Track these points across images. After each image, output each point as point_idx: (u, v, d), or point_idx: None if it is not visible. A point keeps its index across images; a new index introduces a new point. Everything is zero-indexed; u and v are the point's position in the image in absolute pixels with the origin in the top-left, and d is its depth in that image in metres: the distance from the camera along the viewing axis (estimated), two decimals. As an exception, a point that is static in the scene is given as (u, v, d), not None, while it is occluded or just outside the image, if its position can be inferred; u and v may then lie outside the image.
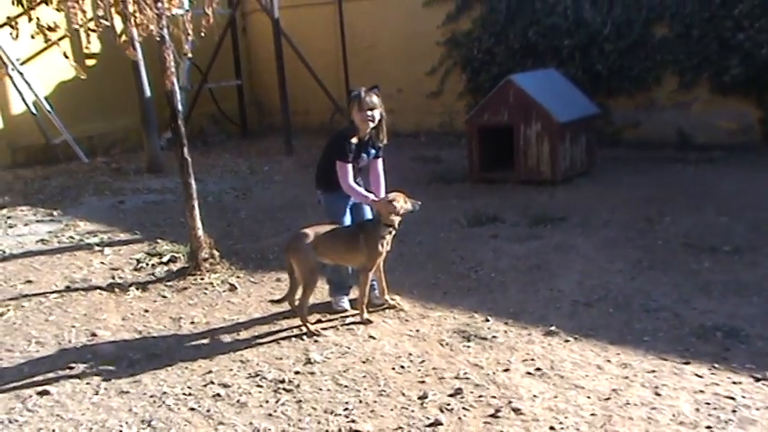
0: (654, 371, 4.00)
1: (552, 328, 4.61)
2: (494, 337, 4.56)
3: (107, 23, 5.18)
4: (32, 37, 5.30)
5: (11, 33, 5.34)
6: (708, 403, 3.64)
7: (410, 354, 4.42)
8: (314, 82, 12.09)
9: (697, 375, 3.92)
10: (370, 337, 4.71)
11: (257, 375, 4.25)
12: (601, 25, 10.09)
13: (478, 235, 6.68)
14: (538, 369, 4.10)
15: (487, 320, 4.82)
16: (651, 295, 5.05)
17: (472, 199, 7.89)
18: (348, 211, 5.18)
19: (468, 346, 4.46)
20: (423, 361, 4.31)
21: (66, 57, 5.58)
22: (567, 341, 4.44)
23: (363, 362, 4.35)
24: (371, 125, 5.04)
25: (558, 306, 5.00)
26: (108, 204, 8.80)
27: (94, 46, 11.29)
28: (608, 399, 3.74)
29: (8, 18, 5.83)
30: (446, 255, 6.22)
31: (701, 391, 3.76)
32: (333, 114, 12.49)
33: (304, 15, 12.84)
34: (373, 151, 5.17)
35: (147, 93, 10.12)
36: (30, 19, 5.22)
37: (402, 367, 4.25)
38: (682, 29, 9.63)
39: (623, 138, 10.24)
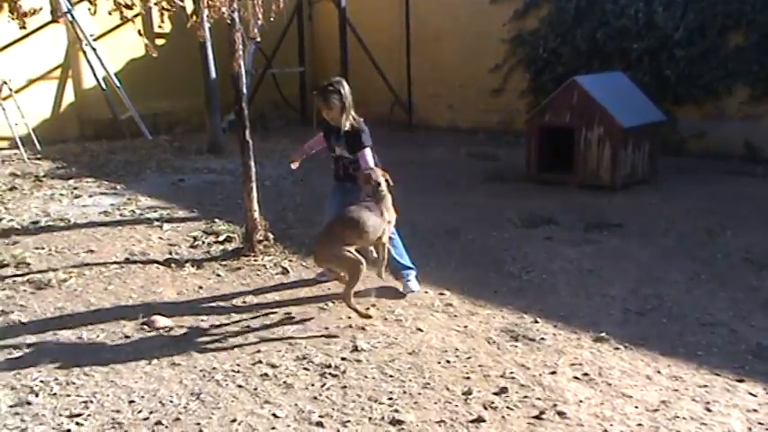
0: (706, 386, 3.92)
1: (602, 334, 4.55)
2: (542, 338, 4.53)
3: (180, 4, 5.30)
4: (110, 14, 5.44)
5: (89, 9, 5.49)
6: (761, 423, 3.56)
7: (457, 349, 4.42)
8: (375, 72, 12.14)
9: (751, 394, 3.84)
10: (418, 329, 4.73)
11: (304, 358, 4.31)
12: (672, 30, 9.87)
13: (532, 236, 6.63)
14: (585, 374, 4.06)
15: (536, 322, 4.79)
16: (707, 309, 4.94)
17: (527, 199, 7.83)
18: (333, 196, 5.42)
19: (516, 346, 4.44)
20: (469, 357, 4.31)
21: (141, 34, 5.71)
22: (616, 349, 4.38)
23: (410, 353, 4.37)
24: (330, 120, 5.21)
25: (610, 313, 4.93)
26: (168, 181, 9.00)
27: (164, 26, 11.51)
28: (656, 410, 3.68)
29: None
30: (498, 254, 6.19)
31: (755, 410, 3.67)
32: (392, 105, 12.53)
33: (370, 5, 12.88)
34: (342, 138, 5.22)
35: (213, 74, 10.31)
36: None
37: (448, 362, 4.26)
38: (757, 38, 9.35)
39: (688, 147, 10.01)
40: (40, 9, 6.24)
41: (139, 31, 5.83)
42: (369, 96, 12.93)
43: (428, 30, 12.45)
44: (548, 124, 8.46)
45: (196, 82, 10.64)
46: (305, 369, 4.19)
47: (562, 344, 4.46)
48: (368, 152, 5.17)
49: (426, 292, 5.34)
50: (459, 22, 12.16)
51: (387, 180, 5.07)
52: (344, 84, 5.19)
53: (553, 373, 4.08)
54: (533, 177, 8.58)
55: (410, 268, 5.43)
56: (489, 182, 8.73)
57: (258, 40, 5.88)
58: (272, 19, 5.71)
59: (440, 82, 12.47)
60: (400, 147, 10.63)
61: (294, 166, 5.68)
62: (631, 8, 10.20)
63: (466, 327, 4.76)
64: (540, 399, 3.80)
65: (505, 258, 6.06)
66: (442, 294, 5.30)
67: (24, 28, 5.54)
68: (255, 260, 6.03)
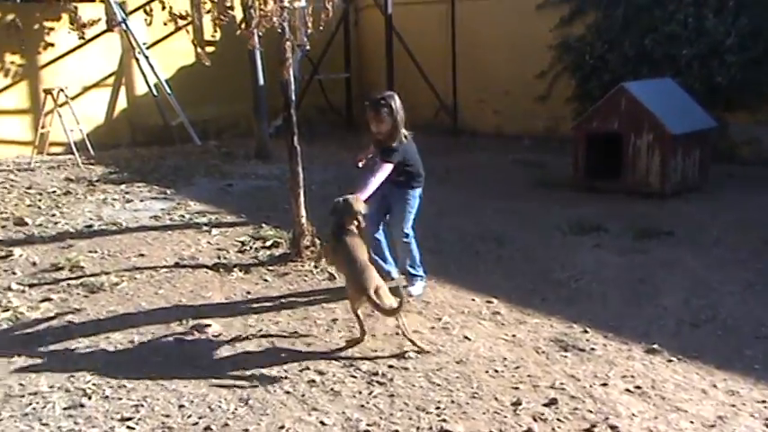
0: (764, 401, 3.82)
1: (655, 345, 4.47)
2: (592, 349, 4.47)
3: (232, 13, 5.38)
4: (165, 24, 5.55)
5: (145, 19, 5.61)
6: (820, 440, 3.46)
7: (505, 358, 4.39)
8: (421, 79, 12.14)
9: (810, 410, 3.73)
10: (465, 337, 4.70)
11: (352, 366, 4.32)
12: (724, 35, 9.66)
13: (580, 243, 6.55)
14: (638, 387, 3.99)
15: (586, 332, 4.73)
16: (764, 321, 4.82)
17: (575, 206, 7.74)
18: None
19: (565, 357, 4.39)
20: (518, 367, 4.27)
21: (195, 44, 5.82)
22: (670, 361, 4.30)
23: (457, 362, 4.35)
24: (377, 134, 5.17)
25: (662, 323, 4.84)
26: (217, 187, 9.13)
27: (215, 34, 11.71)
28: (713, 426, 3.60)
29: (143, 5, 6.15)
30: (546, 261, 6.13)
31: (814, 427, 3.57)
32: (437, 110, 12.51)
33: (416, 12, 12.89)
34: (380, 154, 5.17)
35: (261, 81, 10.43)
36: (163, 7, 5.47)
37: (496, 371, 4.23)
38: (813, 43, 9.12)
39: (740, 154, 9.78)
40: (99, 20, 6.41)
41: (194, 41, 5.95)
42: (414, 101, 12.90)
43: (474, 36, 12.40)
44: (595, 131, 8.35)
45: (244, 88, 10.78)
46: (352, 376, 4.20)
47: (613, 355, 4.40)
48: (386, 167, 5.06)
49: (473, 300, 5.32)
50: (504, 28, 12.08)
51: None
52: (396, 98, 5.13)
53: (604, 384, 4.02)
54: (580, 184, 8.47)
55: (420, 276, 5.43)
56: (536, 188, 8.66)
57: (308, 48, 5.93)
58: (320, 28, 5.75)
59: (485, 88, 12.41)
60: (445, 152, 10.61)
61: (360, 164, 5.64)
62: (680, 14, 10.02)
63: (514, 336, 4.72)
64: (591, 411, 3.74)
65: (553, 266, 6.00)
66: (489, 302, 5.27)
67: (83, 38, 5.69)
68: (302, 266, 6.07)
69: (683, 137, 8.03)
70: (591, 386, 4.00)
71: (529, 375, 4.15)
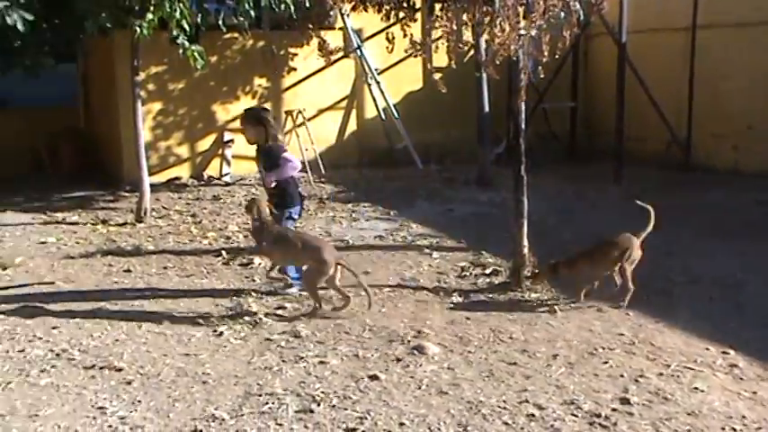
0: None
1: None
2: None
3: (472, 42, 5.49)
4: (406, 52, 5.79)
5: (386, 47, 5.89)
6: None
7: (744, 417, 4.03)
8: (651, 109, 11.58)
9: None
10: (697, 389, 4.38)
11: (572, 403, 4.19)
12: None
13: (835, 298, 5.87)
14: None
15: (843, 398, 4.22)
16: None
17: (829, 256, 6.95)
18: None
19: (817, 423, 3.94)
20: (759, 428, 3.90)
21: (433, 70, 6.02)
22: None
23: (688, 414, 4.06)
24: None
25: None
26: (438, 210, 9.31)
27: (442, 60, 12.01)
28: None
29: (379, 32, 6.46)
30: (793, 314, 5.57)
31: None
32: (669, 144, 11.86)
33: (651, 41, 12.32)
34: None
35: (486, 108, 10.52)
36: (405, 35, 5.72)
37: (733, 429, 3.89)
38: None
39: None
40: (343, 47, 6.82)
41: (432, 68, 6.13)
42: (644, 134, 12.39)
43: (715, 67, 11.61)
44: None
45: (468, 114, 10.93)
46: (573, 415, 4.07)
47: None
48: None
49: (707, 349, 4.94)
50: (751, 59, 11.21)
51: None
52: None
53: None
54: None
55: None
56: (781, 233, 7.91)
57: (542, 76, 5.90)
58: (556, 56, 5.69)
59: (725, 122, 11.56)
60: (676, 188, 10.04)
61: None
62: None
63: (755, 393, 4.32)
64: None
65: (802, 320, 5.43)
66: (725, 353, 4.87)
67: (331, 64, 6.10)
68: (522, 296, 6.01)
69: None
70: None
71: (773, 439, 3.78)
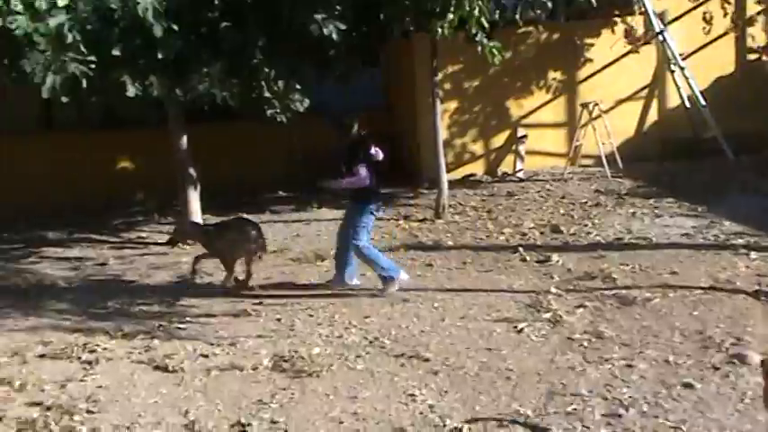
0: None
1: None
2: None
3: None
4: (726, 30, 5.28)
5: (704, 28, 5.42)
6: None
7: None
8: None
9: None
10: None
11: None
12: None
13: None
14: None
15: None
16: None
17: None
18: None
19: None
20: None
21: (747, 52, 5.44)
22: None
23: None
24: None
25: None
26: (754, 206, 8.39)
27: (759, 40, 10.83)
28: None
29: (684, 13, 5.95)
30: None
31: None
32: None
33: None
34: None
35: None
36: (725, 14, 5.22)
37: None
38: None
39: None
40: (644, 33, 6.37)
41: (749, 49, 5.54)
42: None
43: None
44: None
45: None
46: None
47: None
48: None
49: None
50: None
51: None
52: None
53: None
54: None
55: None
56: None
57: None
58: None
59: None
60: None
61: None
62: None
63: None
64: None
65: None
66: None
67: (637, 52, 5.74)
68: None
69: None
70: None
71: None
